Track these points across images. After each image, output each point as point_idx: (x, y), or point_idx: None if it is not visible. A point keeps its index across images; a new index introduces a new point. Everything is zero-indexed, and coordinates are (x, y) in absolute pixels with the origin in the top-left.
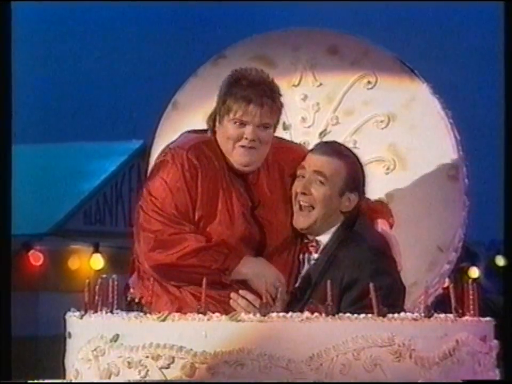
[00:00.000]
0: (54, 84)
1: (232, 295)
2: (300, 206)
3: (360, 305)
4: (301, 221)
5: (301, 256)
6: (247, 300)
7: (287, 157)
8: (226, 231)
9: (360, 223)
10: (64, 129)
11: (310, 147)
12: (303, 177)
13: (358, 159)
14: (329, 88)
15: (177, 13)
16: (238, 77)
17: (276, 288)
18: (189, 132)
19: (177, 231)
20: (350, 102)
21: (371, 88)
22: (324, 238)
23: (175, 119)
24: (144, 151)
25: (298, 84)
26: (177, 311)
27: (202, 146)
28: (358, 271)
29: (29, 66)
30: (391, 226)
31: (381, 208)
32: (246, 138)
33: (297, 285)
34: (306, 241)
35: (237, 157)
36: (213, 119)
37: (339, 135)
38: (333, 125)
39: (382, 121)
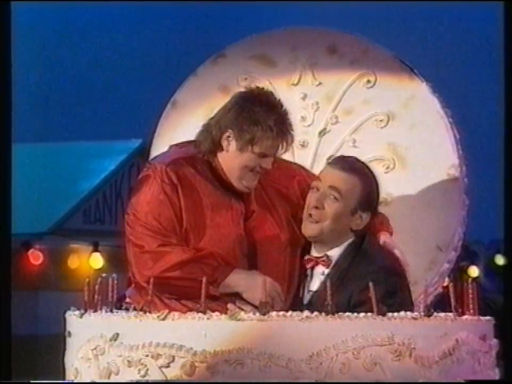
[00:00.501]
0: (53, 83)
1: (229, 306)
2: (310, 215)
3: None
4: (309, 228)
5: (308, 272)
6: (243, 310)
7: (279, 174)
8: (215, 243)
9: (368, 241)
10: (64, 128)
11: (309, 146)
12: (318, 190)
13: (375, 177)
14: (328, 87)
15: (176, 12)
16: (265, 104)
17: (271, 297)
18: (176, 145)
19: (163, 243)
20: (349, 101)
21: (370, 87)
22: (335, 254)
23: (174, 118)
24: (144, 150)
25: (297, 83)
26: None
27: (182, 161)
28: (366, 294)
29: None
30: (390, 234)
31: (381, 220)
32: (261, 167)
33: (306, 301)
34: (316, 256)
35: (246, 182)
36: (211, 139)
37: (338, 134)
38: (332, 124)
39: (381, 120)
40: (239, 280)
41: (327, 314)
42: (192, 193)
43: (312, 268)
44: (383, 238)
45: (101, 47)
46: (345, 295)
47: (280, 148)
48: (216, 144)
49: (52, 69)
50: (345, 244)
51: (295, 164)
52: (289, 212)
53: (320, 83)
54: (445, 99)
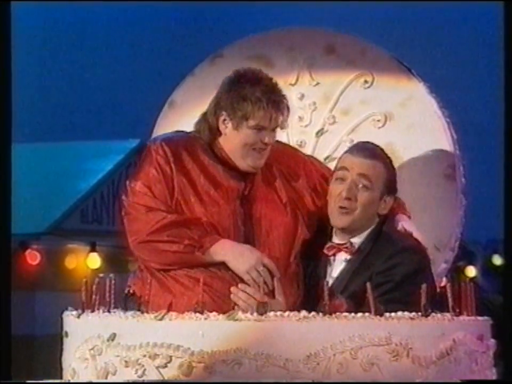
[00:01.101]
0: (50, 83)
1: (232, 289)
2: (341, 207)
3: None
4: (341, 220)
5: (331, 258)
6: (247, 293)
7: (282, 158)
8: (206, 211)
9: (388, 224)
10: (61, 128)
11: (307, 146)
12: (343, 180)
13: (391, 160)
14: (326, 87)
15: (174, 12)
16: (250, 79)
17: (258, 271)
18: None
19: (153, 208)
20: (347, 101)
21: (368, 87)
22: (358, 240)
23: (172, 118)
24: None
25: (295, 83)
26: (171, 305)
27: (180, 140)
28: (389, 276)
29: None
30: (408, 217)
31: (398, 203)
32: (263, 143)
33: (329, 285)
34: (339, 243)
35: (251, 161)
36: (209, 124)
37: (336, 134)
38: (329, 124)
39: (379, 121)
40: (227, 248)
41: (324, 314)
42: (187, 169)
43: (334, 255)
44: (401, 220)
45: (98, 47)
46: (365, 277)
47: (276, 118)
48: (214, 130)
49: (48, 69)
50: (368, 230)
51: (303, 153)
52: (292, 193)
53: (317, 83)
54: (442, 99)
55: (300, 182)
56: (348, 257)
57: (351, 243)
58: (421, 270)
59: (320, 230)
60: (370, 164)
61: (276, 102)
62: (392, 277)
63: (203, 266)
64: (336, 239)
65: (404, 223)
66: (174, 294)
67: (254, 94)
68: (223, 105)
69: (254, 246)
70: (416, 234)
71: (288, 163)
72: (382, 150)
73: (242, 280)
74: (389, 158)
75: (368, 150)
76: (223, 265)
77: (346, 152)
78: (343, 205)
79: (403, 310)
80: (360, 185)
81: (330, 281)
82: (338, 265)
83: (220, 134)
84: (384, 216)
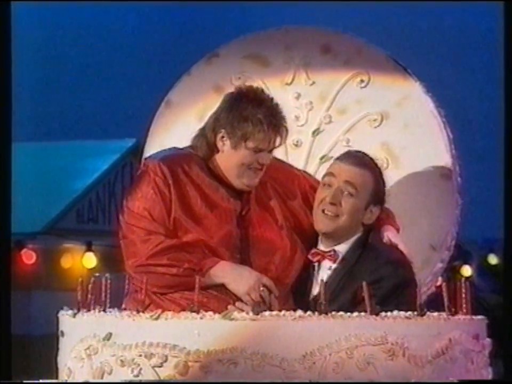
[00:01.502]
0: (46, 83)
1: (229, 307)
2: (324, 211)
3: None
4: (324, 224)
5: (316, 265)
6: (243, 311)
7: (280, 176)
8: (204, 233)
9: (373, 235)
10: (57, 128)
11: (303, 146)
12: (330, 185)
13: (381, 171)
14: (322, 87)
15: (170, 12)
16: (253, 100)
17: (257, 292)
18: (176, 148)
19: (152, 232)
20: (343, 101)
21: (364, 86)
22: (342, 249)
23: (168, 117)
24: (137, 150)
25: (291, 83)
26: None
27: (177, 158)
28: (375, 290)
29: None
30: (397, 229)
31: (386, 214)
32: (259, 163)
33: (314, 293)
34: (323, 250)
35: (246, 180)
36: (207, 141)
37: (332, 134)
38: (326, 124)
39: (375, 120)
40: (226, 271)
41: (320, 313)
42: (184, 189)
43: (319, 262)
44: (388, 231)
45: (94, 47)
46: (351, 290)
47: (274, 141)
48: (211, 147)
49: (45, 69)
50: (353, 239)
51: (297, 169)
52: (287, 213)
53: (313, 82)
54: (438, 99)
55: (295, 201)
56: (332, 265)
57: (335, 251)
58: (406, 284)
59: (307, 237)
60: (358, 172)
61: (276, 125)
62: (377, 291)
63: (202, 289)
64: (321, 246)
65: (390, 235)
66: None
67: (256, 116)
68: (223, 123)
69: (250, 261)
70: (401, 247)
71: (282, 180)
72: (372, 160)
73: (238, 299)
74: (378, 168)
75: (357, 158)
76: (219, 285)
77: (336, 158)
78: (327, 210)
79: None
80: (346, 192)
81: (317, 288)
82: (322, 272)
83: (218, 151)
84: (370, 226)
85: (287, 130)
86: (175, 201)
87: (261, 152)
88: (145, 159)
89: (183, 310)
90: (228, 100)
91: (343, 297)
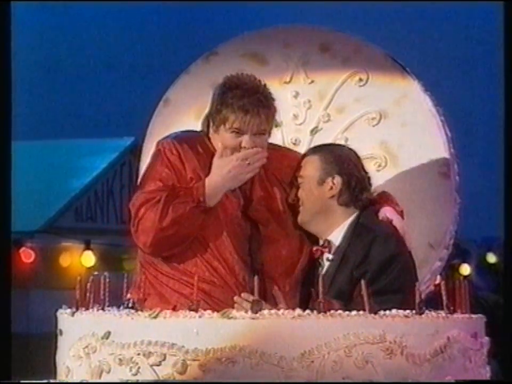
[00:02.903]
0: (45, 81)
1: (236, 298)
2: (293, 205)
3: (377, 300)
4: (298, 217)
5: (320, 261)
6: (250, 302)
7: (280, 164)
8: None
9: (364, 216)
10: (55, 126)
11: (301, 144)
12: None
13: (346, 149)
14: (320, 85)
15: (169, 10)
16: (231, 85)
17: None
18: (183, 131)
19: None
20: (341, 99)
21: (363, 85)
22: (336, 237)
23: (166, 116)
24: (136, 148)
25: (289, 81)
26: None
27: (188, 138)
28: (366, 266)
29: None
30: (400, 214)
31: (384, 197)
32: (244, 147)
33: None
34: (320, 244)
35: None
36: (207, 125)
37: (331, 132)
38: (324, 122)
39: (373, 119)
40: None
41: (319, 312)
42: (197, 162)
43: (320, 256)
44: (383, 211)
45: (93, 45)
46: (346, 271)
47: (252, 122)
48: (205, 130)
49: (43, 68)
50: (346, 224)
51: (298, 153)
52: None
53: (312, 81)
54: (437, 98)
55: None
56: (330, 256)
57: (328, 241)
58: (397, 255)
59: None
60: (304, 162)
61: (255, 105)
62: (368, 267)
63: (207, 215)
64: (320, 241)
65: (388, 213)
66: (173, 305)
67: (228, 99)
68: (209, 111)
69: (256, 262)
70: (396, 222)
71: (280, 166)
72: (329, 144)
73: (244, 289)
74: (338, 147)
75: (309, 150)
76: (223, 273)
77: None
78: (293, 208)
79: (390, 300)
80: (296, 185)
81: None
82: (325, 265)
83: (209, 138)
84: (361, 208)
85: (272, 110)
86: (190, 178)
87: (243, 135)
88: (158, 141)
89: (187, 298)
90: (217, 86)
91: (339, 282)
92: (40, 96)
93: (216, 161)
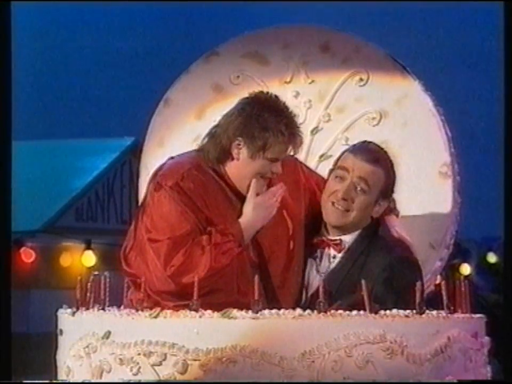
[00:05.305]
0: (45, 81)
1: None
2: (333, 204)
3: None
4: (334, 218)
5: (318, 253)
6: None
7: (285, 172)
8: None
9: (382, 230)
10: (56, 126)
11: (302, 144)
12: (343, 179)
13: (392, 164)
14: (321, 85)
15: (169, 10)
16: (268, 109)
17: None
18: (173, 157)
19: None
20: (342, 99)
21: (363, 85)
22: (349, 239)
23: (167, 115)
24: (136, 148)
25: (290, 81)
26: None
27: (192, 172)
28: (384, 287)
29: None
30: (397, 216)
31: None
32: (273, 173)
33: (317, 281)
34: (329, 238)
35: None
36: (224, 143)
37: (331, 132)
38: (324, 122)
39: (374, 118)
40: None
41: (319, 312)
42: (207, 196)
43: (323, 249)
44: (393, 223)
45: (93, 45)
46: (358, 279)
47: (290, 150)
48: (226, 153)
49: (43, 67)
50: (359, 230)
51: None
52: (296, 209)
53: (312, 81)
54: (437, 97)
55: (298, 188)
56: (335, 254)
57: (341, 240)
58: (414, 284)
59: (310, 225)
60: (372, 169)
61: (294, 135)
62: (390, 287)
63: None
64: (327, 234)
65: (397, 227)
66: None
67: (278, 127)
68: (240, 131)
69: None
70: (407, 237)
71: (285, 175)
72: (385, 153)
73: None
74: (391, 162)
75: (371, 153)
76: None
77: (349, 151)
78: (337, 204)
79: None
80: (359, 188)
81: (318, 277)
82: (324, 262)
83: (232, 158)
84: (377, 218)
85: (301, 140)
86: (201, 209)
87: (277, 162)
88: (159, 182)
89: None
90: (244, 107)
91: (349, 286)
92: (40, 96)
93: (252, 200)
